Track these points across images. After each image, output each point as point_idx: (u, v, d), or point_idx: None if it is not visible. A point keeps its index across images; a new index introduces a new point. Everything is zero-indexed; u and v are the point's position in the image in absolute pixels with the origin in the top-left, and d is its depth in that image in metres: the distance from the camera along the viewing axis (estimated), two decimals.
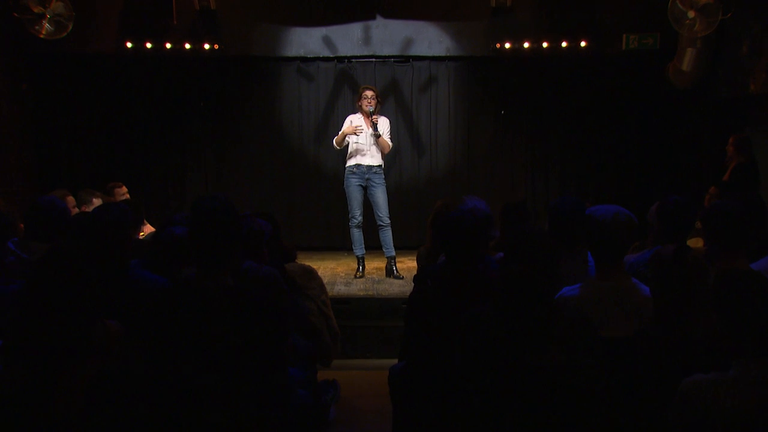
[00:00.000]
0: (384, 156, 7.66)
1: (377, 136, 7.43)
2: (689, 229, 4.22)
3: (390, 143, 7.67)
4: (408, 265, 8.20)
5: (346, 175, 7.64)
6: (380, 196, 7.58)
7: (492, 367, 2.62)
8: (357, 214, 7.62)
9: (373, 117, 7.42)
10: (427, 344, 3.53)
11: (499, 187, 9.82)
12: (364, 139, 7.50)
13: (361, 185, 7.57)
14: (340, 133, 7.60)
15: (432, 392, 3.39)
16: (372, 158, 7.54)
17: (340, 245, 9.81)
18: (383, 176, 7.68)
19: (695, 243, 4.86)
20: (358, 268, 7.85)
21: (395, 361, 4.39)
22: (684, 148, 9.56)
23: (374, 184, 7.56)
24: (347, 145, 7.58)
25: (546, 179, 10.02)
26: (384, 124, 7.56)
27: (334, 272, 8.22)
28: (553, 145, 9.97)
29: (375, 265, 8.30)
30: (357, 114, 7.64)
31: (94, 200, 6.76)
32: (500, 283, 2.74)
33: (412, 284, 4.48)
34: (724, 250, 3.65)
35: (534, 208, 9.16)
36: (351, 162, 7.58)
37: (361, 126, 7.48)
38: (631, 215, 3.43)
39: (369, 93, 7.51)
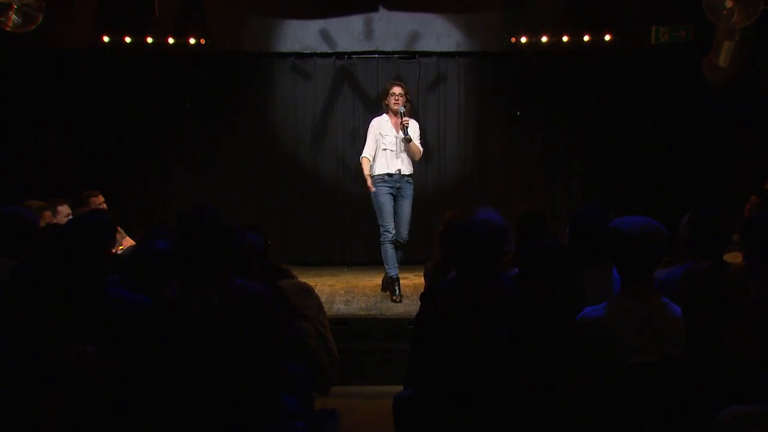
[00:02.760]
0: (414, 163, 7.54)
1: (408, 140, 7.31)
2: (726, 242, 4.22)
3: (420, 148, 7.52)
4: (414, 282, 8.19)
5: (374, 185, 7.43)
6: (406, 209, 7.45)
7: (507, 395, 2.61)
8: (391, 228, 7.41)
9: (404, 120, 7.26)
10: (435, 370, 3.53)
11: (515, 195, 9.80)
12: (393, 144, 7.36)
13: (392, 194, 7.40)
14: (370, 142, 7.44)
15: (441, 423, 3.39)
16: (404, 164, 7.40)
17: (339, 260, 9.82)
18: (413, 186, 7.55)
19: (733, 258, 4.85)
20: (395, 290, 7.56)
21: (400, 388, 4.38)
22: (721, 152, 9.54)
23: (404, 194, 7.42)
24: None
25: (566, 187, 10.02)
26: (414, 128, 7.44)
27: (332, 290, 8.22)
28: (574, 150, 9.97)
29: (377, 282, 8.30)
30: (383, 116, 7.50)
31: (60, 208, 6.77)
32: (516, 302, 2.74)
33: (419, 303, 4.48)
34: (766, 265, 3.64)
35: (553, 219, 9.15)
36: (381, 170, 7.38)
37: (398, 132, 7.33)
38: (661, 227, 3.42)
39: (397, 89, 7.35)
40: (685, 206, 4.65)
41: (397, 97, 7.31)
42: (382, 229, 7.47)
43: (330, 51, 9.78)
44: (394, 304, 7.37)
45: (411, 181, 7.49)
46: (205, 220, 2.95)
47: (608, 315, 3.31)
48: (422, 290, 4.79)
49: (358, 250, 9.86)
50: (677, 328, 3.11)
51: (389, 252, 7.48)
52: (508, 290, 3.63)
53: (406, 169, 7.42)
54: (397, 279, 7.60)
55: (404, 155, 7.39)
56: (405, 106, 7.34)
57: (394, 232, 7.43)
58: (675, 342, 3.13)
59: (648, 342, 3.20)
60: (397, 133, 7.37)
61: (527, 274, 3.40)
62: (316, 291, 5.22)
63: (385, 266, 7.61)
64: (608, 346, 3.17)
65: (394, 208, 7.46)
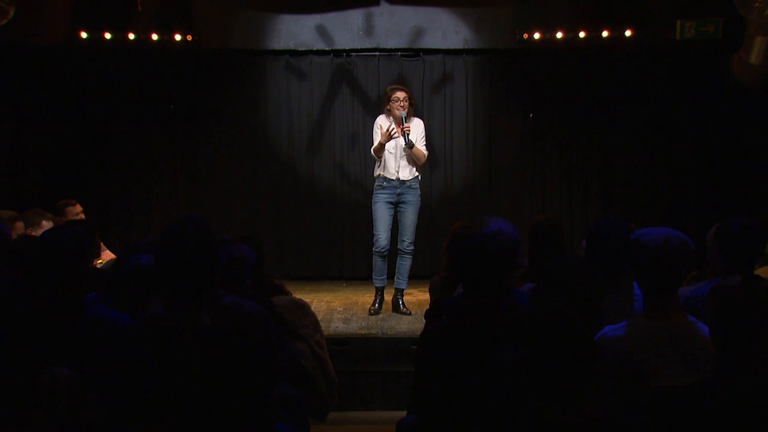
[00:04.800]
0: (419, 168, 7.56)
1: (410, 146, 7.32)
2: (758, 255, 4.21)
3: (425, 151, 7.52)
4: (419, 297, 8.19)
5: (374, 190, 7.57)
6: (410, 218, 7.50)
7: (520, 422, 2.61)
8: (382, 238, 7.50)
9: (405, 126, 7.29)
10: (441, 394, 3.52)
11: (528, 205, 9.82)
12: (394, 148, 7.40)
13: (390, 202, 7.47)
14: (377, 142, 7.44)
15: None
16: (405, 169, 7.44)
17: (337, 274, 9.82)
18: (419, 192, 7.59)
19: (766, 272, 4.84)
20: (375, 301, 7.71)
21: (404, 413, 4.38)
22: (751, 157, 9.54)
23: (407, 201, 7.48)
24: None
25: (584, 195, 10.02)
26: (417, 128, 7.46)
27: (330, 307, 8.21)
28: (592, 155, 9.97)
29: None
30: (385, 116, 7.55)
31: (44, 222, 6.76)
32: (530, 320, 2.73)
33: (424, 321, 4.48)
34: None
35: (570, 231, 9.15)
36: (380, 174, 7.49)
37: (394, 129, 7.34)
38: (687, 240, 3.42)
39: (401, 94, 7.36)
40: (712, 216, 4.64)
41: (401, 103, 7.34)
42: (374, 238, 7.57)
43: (327, 48, 9.78)
44: (396, 322, 7.36)
45: (415, 186, 7.53)
46: (191, 231, 2.94)
47: (629, 335, 3.30)
48: (427, 307, 4.78)
49: (358, 264, 9.84)
50: (705, 349, 3.10)
51: (378, 263, 7.61)
52: (522, 307, 3.63)
53: (407, 175, 7.46)
54: (382, 291, 7.73)
55: (404, 161, 7.44)
56: (408, 111, 7.38)
57: (385, 243, 7.51)
58: (703, 364, 3.12)
59: (673, 364, 3.19)
60: (399, 137, 7.40)
61: (542, 291, 3.39)
62: (312, 308, 5.23)
63: (373, 275, 7.72)
64: (630, 369, 3.16)
65: (397, 215, 7.53)
